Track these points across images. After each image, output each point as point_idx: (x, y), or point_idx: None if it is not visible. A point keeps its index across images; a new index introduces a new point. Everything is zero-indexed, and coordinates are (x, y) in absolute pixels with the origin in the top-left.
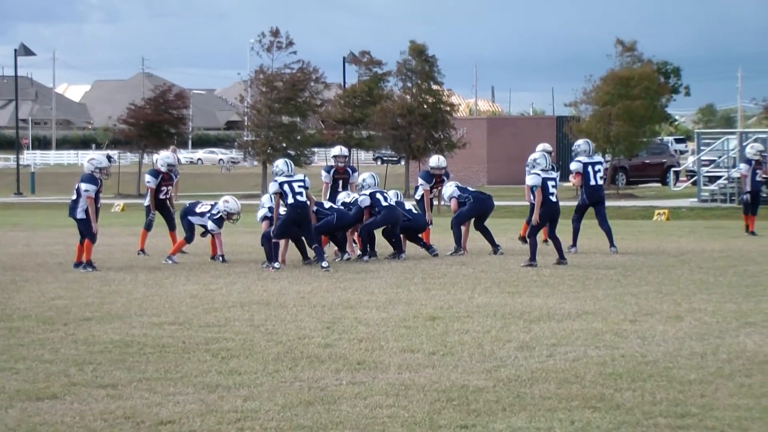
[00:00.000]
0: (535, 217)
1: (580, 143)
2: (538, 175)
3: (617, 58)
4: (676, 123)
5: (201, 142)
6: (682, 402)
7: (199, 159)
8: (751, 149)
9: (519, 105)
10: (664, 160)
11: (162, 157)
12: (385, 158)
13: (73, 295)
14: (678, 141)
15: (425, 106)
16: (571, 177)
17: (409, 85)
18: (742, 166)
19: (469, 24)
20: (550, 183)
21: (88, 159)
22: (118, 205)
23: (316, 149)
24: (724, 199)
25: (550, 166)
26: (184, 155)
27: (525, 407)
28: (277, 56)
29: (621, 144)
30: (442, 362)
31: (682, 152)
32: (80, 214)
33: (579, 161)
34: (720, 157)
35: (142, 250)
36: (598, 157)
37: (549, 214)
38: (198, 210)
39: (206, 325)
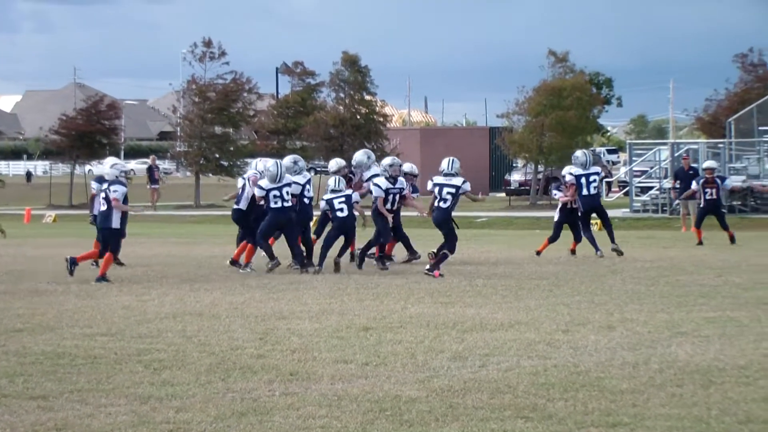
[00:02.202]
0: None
1: (578, 155)
2: (380, 186)
3: (549, 68)
4: (609, 134)
5: (133, 153)
6: (614, 412)
7: (131, 170)
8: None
9: (452, 116)
10: (596, 171)
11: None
12: (318, 169)
13: (3, 306)
14: (610, 152)
15: (358, 117)
16: (560, 190)
17: (342, 95)
18: (693, 184)
19: (402, 35)
20: (393, 192)
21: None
22: (50, 216)
23: (249, 160)
24: (656, 210)
25: (393, 179)
26: None
27: (457, 417)
28: (209, 66)
29: (553, 155)
30: (375, 373)
31: (614, 163)
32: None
33: (572, 173)
34: (652, 168)
35: (95, 262)
36: (594, 168)
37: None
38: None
39: (138, 336)
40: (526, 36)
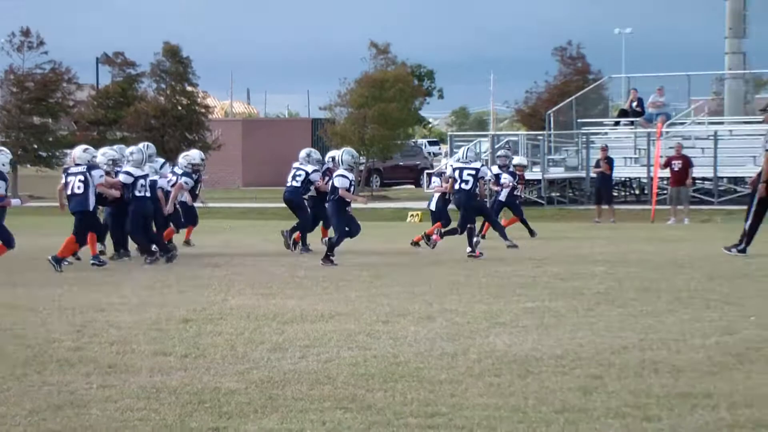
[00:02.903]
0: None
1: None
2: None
3: (372, 60)
4: (430, 125)
5: None
6: (433, 402)
7: None
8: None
9: (275, 107)
10: (417, 163)
11: None
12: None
13: None
14: (431, 143)
15: (180, 108)
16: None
17: (164, 86)
18: (504, 177)
19: (224, 25)
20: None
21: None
22: None
23: (68, 151)
24: None
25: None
26: None
27: (277, 409)
28: (27, 56)
29: (375, 146)
30: (195, 365)
31: (435, 154)
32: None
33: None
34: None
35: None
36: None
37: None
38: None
39: None
40: (348, 28)
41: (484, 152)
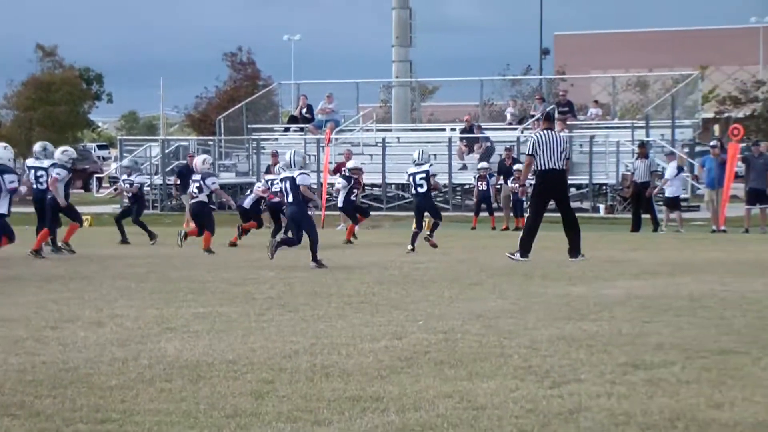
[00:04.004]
0: None
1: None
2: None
3: (39, 63)
4: (99, 129)
5: None
6: (103, 408)
7: None
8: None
9: None
10: (87, 167)
11: None
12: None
13: None
14: (101, 147)
15: None
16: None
17: None
18: (341, 180)
19: None
20: None
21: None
22: None
23: None
24: (147, 206)
25: None
26: None
27: None
28: None
29: None
30: None
31: (105, 159)
32: None
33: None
34: (142, 165)
35: None
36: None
37: None
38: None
39: None
40: (13, 28)
41: (155, 157)
